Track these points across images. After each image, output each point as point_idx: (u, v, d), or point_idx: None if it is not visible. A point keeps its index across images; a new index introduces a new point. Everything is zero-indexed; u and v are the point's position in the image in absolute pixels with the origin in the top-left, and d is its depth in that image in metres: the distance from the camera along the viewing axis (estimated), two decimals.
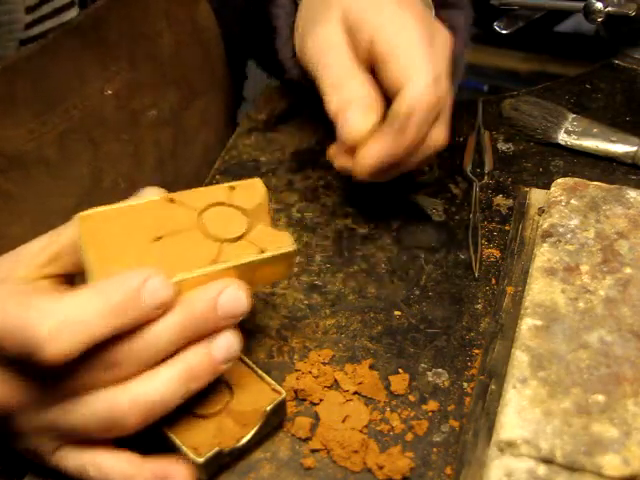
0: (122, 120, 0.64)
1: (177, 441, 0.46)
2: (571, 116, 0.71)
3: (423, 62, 0.55)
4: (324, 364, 0.53)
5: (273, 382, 0.49)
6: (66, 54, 0.58)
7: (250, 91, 0.86)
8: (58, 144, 0.60)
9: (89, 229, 0.46)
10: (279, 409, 0.49)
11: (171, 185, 0.63)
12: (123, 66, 0.63)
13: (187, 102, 0.69)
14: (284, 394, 0.49)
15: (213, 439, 0.47)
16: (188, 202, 0.49)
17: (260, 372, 0.49)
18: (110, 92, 0.62)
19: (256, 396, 0.49)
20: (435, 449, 0.49)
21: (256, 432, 0.47)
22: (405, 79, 0.54)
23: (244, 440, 0.47)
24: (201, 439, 0.46)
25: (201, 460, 0.45)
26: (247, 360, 0.50)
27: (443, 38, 0.58)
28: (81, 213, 0.46)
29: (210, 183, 0.68)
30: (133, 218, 0.47)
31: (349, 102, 0.55)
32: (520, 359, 0.49)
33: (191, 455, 0.45)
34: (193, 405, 0.47)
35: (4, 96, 0.56)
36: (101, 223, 0.46)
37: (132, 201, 0.48)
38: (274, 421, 0.49)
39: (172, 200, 0.48)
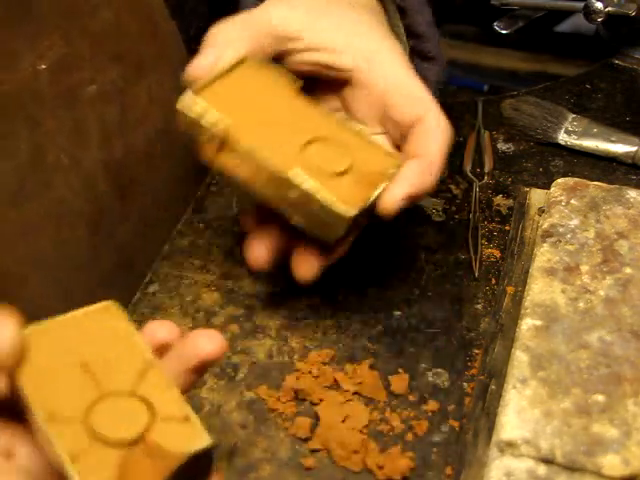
0: (59, 96, 0.63)
1: (323, 196, 0.48)
2: (571, 116, 0.71)
3: (425, 92, 0.55)
4: (324, 364, 0.53)
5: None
6: None
7: None
8: None
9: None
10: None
11: (122, 161, 0.63)
12: (56, 41, 0.62)
13: (133, 78, 0.69)
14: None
15: (354, 194, 0.48)
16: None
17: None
18: (43, 67, 0.61)
19: (375, 159, 0.51)
20: (435, 449, 0.49)
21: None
22: (418, 114, 0.54)
23: (376, 194, 0.49)
24: (343, 194, 0.48)
25: (353, 213, 0.47)
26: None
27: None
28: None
29: (210, 183, 0.68)
30: None
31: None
32: (520, 359, 0.49)
33: (342, 209, 0.47)
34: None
35: None
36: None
37: None
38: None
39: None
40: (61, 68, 0.62)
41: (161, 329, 0.44)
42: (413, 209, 0.65)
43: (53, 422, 0.39)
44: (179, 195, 0.68)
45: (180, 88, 0.76)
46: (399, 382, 0.53)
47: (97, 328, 0.44)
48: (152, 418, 0.40)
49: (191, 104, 0.51)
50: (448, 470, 0.48)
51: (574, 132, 0.70)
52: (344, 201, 0.48)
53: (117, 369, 0.42)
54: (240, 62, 0.53)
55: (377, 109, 0.57)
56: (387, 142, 0.56)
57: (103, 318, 0.44)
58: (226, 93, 0.51)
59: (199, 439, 0.39)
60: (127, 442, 0.39)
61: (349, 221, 0.48)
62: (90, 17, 0.64)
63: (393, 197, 0.52)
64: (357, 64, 0.56)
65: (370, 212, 0.51)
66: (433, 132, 0.54)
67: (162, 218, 0.67)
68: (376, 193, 0.50)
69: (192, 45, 0.75)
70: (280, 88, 0.53)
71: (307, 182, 0.48)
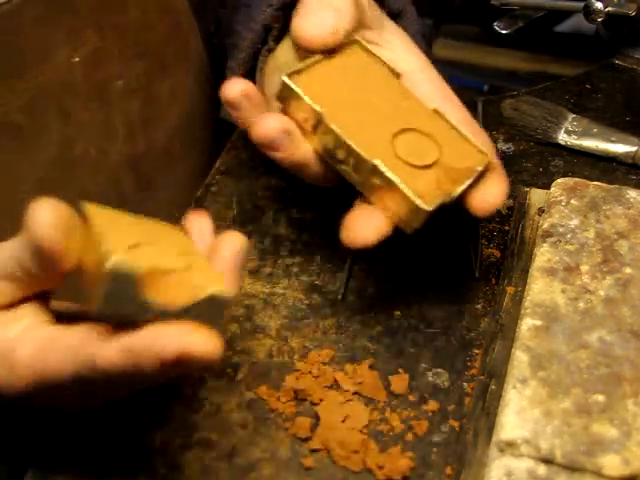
0: (90, 89, 0.64)
1: (403, 187, 0.48)
2: (571, 116, 0.71)
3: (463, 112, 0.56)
4: (324, 364, 0.54)
5: (478, 143, 0.51)
6: (32, 21, 0.58)
7: None
8: (27, 111, 0.60)
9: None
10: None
11: (143, 156, 0.63)
12: (90, 34, 0.62)
13: (156, 74, 0.69)
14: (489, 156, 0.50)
15: (436, 189, 0.49)
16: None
17: (464, 132, 0.52)
18: (78, 60, 0.62)
19: (464, 155, 0.52)
20: (435, 449, 0.49)
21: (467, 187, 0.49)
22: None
23: (459, 190, 0.50)
24: (425, 187, 0.49)
25: (430, 208, 0.48)
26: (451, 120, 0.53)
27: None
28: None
29: (210, 184, 0.68)
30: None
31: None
32: (520, 359, 0.49)
33: (419, 202, 0.48)
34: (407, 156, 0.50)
35: None
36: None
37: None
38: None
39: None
40: (93, 62, 0.63)
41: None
42: None
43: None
44: (190, 194, 0.68)
45: (199, 85, 0.76)
46: (399, 382, 0.53)
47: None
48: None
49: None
50: (448, 470, 0.48)
51: (574, 132, 0.70)
52: (425, 194, 0.49)
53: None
54: (350, 43, 0.55)
55: None
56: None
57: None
58: (328, 75, 0.54)
59: (217, 283, 0.43)
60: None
61: (427, 215, 0.49)
62: (120, 13, 0.64)
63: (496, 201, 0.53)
64: (409, 71, 0.57)
65: (453, 206, 0.52)
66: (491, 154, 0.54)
67: (175, 216, 0.67)
68: (459, 190, 0.51)
69: (213, 40, 0.75)
70: (380, 76, 0.55)
71: (391, 172, 0.49)
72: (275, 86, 0.55)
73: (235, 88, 0.53)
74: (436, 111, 0.54)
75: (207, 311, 0.42)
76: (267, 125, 0.52)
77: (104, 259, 0.40)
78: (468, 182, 0.51)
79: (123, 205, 0.61)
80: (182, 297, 0.41)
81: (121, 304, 0.40)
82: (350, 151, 0.51)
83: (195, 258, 0.44)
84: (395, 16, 0.61)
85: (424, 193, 0.49)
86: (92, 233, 0.43)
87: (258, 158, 0.71)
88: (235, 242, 0.46)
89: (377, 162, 0.50)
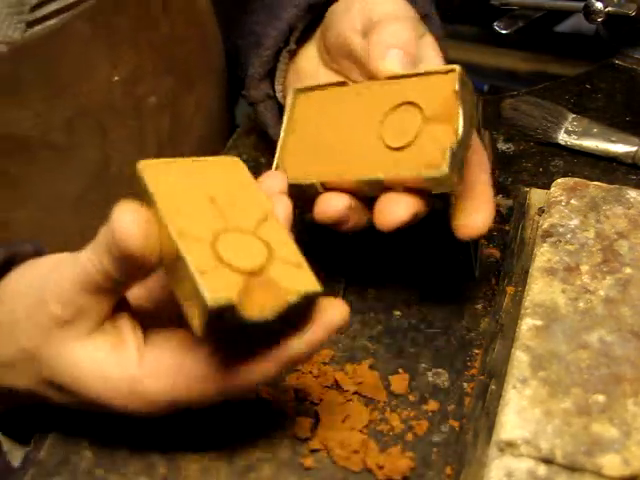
0: (128, 106, 0.64)
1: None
2: (571, 116, 0.71)
3: None
4: (324, 364, 0.53)
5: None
6: (75, 39, 0.58)
7: None
8: (66, 129, 0.60)
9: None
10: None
11: None
12: (128, 52, 0.63)
13: (183, 89, 0.69)
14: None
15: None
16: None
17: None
18: (117, 78, 0.62)
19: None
20: (435, 449, 0.49)
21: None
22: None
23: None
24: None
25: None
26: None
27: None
28: None
29: None
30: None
31: None
32: (520, 359, 0.49)
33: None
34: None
35: (11, 78, 0.56)
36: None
37: None
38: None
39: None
40: (131, 79, 0.63)
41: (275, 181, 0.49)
42: None
43: (184, 238, 0.43)
44: None
45: (221, 99, 0.77)
46: (399, 382, 0.53)
47: (221, 172, 0.48)
48: (270, 257, 0.44)
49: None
50: (448, 470, 0.48)
51: (574, 132, 0.70)
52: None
53: (240, 209, 0.46)
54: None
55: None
56: None
57: (226, 167, 0.49)
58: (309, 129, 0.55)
59: (311, 283, 0.43)
60: (248, 271, 0.42)
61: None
62: (153, 29, 0.64)
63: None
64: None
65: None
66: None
67: None
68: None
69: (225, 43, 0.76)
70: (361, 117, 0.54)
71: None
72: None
73: (339, 202, 0.52)
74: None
75: (301, 306, 0.43)
76: (332, 205, 0.52)
77: (195, 293, 0.41)
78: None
79: None
80: (276, 299, 0.42)
81: (222, 327, 0.42)
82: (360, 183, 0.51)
83: (273, 226, 0.46)
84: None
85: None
86: (161, 222, 0.43)
87: (258, 158, 0.71)
88: (285, 207, 0.48)
89: (381, 175, 0.49)
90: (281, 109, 0.65)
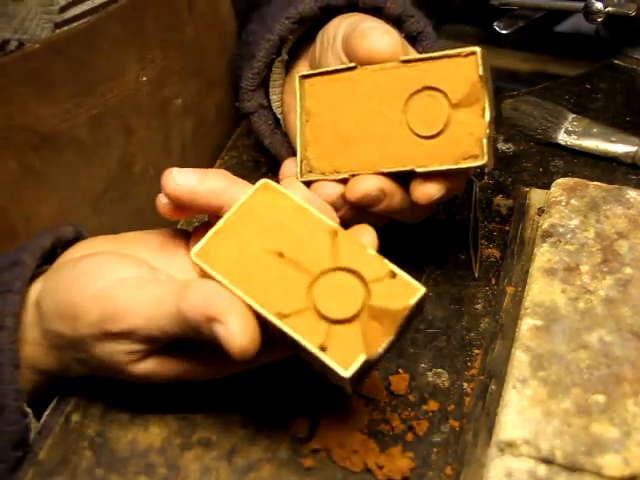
0: (154, 107, 0.65)
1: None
2: (571, 116, 0.71)
3: None
4: None
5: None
6: (106, 38, 0.59)
7: None
8: (92, 126, 0.60)
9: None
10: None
11: None
12: (157, 54, 0.63)
13: (206, 92, 0.70)
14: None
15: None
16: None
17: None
18: (145, 79, 0.62)
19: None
20: (435, 449, 0.49)
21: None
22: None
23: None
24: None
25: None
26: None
27: None
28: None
29: None
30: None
31: None
32: (520, 359, 0.49)
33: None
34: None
35: (41, 75, 0.57)
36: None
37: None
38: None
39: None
40: (158, 81, 0.64)
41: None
42: None
43: (285, 319, 0.43)
44: None
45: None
46: (399, 382, 0.53)
47: (267, 214, 0.46)
48: (365, 285, 0.44)
49: None
50: (448, 470, 0.48)
51: (574, 132, 0.70)
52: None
53: (309, 247, 0.45)
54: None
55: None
56: None
57: (264, 202, 0.47)
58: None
59: (413, 290, 0.43)
60: (356, 314, 0.43)
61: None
62: (180, 32, 0.65)
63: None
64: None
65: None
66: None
67: None
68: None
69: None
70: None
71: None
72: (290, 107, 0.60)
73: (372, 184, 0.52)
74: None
75: (415, 311, 0.44)
76: (365, 186, 0.52)
77: (327, 367, 0.42)
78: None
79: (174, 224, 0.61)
80: (392, 322, 0.43)
81: (362, 375, 0.43)
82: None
83: (345, 242, 0.45)
84: (413, 39, 0.60)
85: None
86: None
87: (258, 159, 0.71)
88: (369, 234, 0.47)
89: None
90: (276, 120, 0.65)
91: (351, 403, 0.51)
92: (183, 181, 0.48)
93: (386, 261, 0.44)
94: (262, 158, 0.71)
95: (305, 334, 0.43)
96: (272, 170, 0.69)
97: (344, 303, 0.43)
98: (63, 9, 0.56)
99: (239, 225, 0.46)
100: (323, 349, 0.42)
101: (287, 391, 0.52)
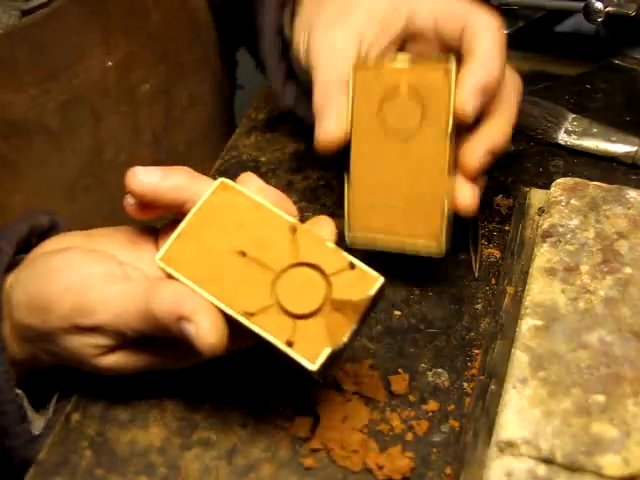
0: (122, 93, 0.65)
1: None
2: (571, 116, 0.71)
3: (474, 10, 0.56)
4: None
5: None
6: (69, 23, 0.59)
7: (245, 78, 0.87)
8: (60, 113, 0.60)
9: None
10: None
11: (164, 163, 0.64)
12: (121, 38, 0.63)
13: (176, 79, 0.70)
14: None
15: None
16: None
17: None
18: (110, 64, 0.62)
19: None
20: (435, 449, 0.49)
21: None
22: (459, 25, 0.56)
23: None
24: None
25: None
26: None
27: None
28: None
29: None
30: None
31: (329, 107, 0.56)
32: (520, 359, 0.49)
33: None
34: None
35: (5, 62, 0.57)
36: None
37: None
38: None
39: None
40: (125, 66, 0.64)
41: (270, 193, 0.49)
42: None
43: (251, 318, 0.45)
44: None
45: (217, 93, 0.76)
46: (399, 382, 0.53)
47: (227, 214, 0.47)
48: (326, 279, 0.45)
49: None
50: (448, 470, 0.48)
51: (574, 132, 0.70)
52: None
53: (270, 245, 0.46)
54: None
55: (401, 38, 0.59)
56: None
57: (225, 201, 0.48)
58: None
59: (372, 280, 0.45)
60: (319, 307, 0.45)
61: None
62: (144, 18, 0.65)
63: (466, 93, 0.54)
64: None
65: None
66: (479, 31, 0.55)
67: None
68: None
69: (231, 50, 0.76)
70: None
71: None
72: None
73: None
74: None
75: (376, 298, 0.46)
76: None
77: (295, 361, 0.44)
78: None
79: None
80: (354, 311, 0.44)
81: (330, 365, 0.45)
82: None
83: (304, 236, 0.46)
84: None
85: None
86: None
87: (258, 158, 0.71)
88: (327, 227, 0.48)
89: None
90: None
91: (351, 403, 0.51)
92: (146, 178, 0.48)
93: (345, 253, 0.46)
94: (262, 158, 0.71)
95: (272, 331, 0.44)
96: (272, 170, 0.69)
97: (307, 298, 0.45)
98: None
99: (200, 226, 0.47)
100: (290, 344, 0.44)
101: (287, 391, 0.52)
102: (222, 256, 0.46)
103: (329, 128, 0.55)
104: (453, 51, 0.57)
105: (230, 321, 0.45)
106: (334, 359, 0.45)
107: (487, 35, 0.55)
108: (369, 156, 0.55)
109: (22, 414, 0.50)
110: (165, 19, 0.67)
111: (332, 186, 0.68)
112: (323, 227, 0.48)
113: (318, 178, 0.69)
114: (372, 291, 0.45)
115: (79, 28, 0.60)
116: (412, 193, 0.55)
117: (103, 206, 0.63)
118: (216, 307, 0.45)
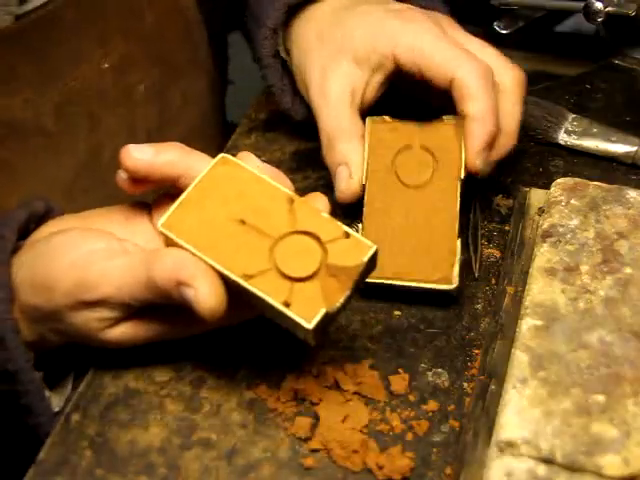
0: (118, 94, 0.65)
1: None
2: (571, 116, 0.71)
3: (453, 49, 0.58)
4: (324, 364, 0.53)
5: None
6: (65, 26, 0.59)
7: (236, 74, 0.88)
8: (56, 115, 0.61)
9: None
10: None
11: None
12: (118, 41, 0.63)
13: (169, 80, 0.70)
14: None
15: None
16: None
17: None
18: (107, 66, 0.63)
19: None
20: (435, 449, 0.49)
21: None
22: (451, 69, 0.57)
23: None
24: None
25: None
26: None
27: (446, 20, 0.62)
28: None
29: None
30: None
31: (339, 164, 0.60)
32: (520, 359, 0.49)
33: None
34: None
35: (1, 64, 0.57)
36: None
37: None
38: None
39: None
40: (121, 67, 0.64)
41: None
42: None
43: (250, 280, 0.46)
44: None
45: (209, 92, 0.76)
46: (399, 382, 0.53)
47: (227, 185, 0.50)
48: (322, 246, 0.47)
49: None
50: (448, 470, 0.48)
51: (574, 132, 0.70)
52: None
53: (268, 214, 0.48)
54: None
55: (391, 72, 0.61)
56: None
57: (225, 174, 0.50)
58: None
59: (366, 248, 0.47)
60: (315, 271, 0.46)
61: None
62: (139, 20, 0.65)
63: (473, 152, 0.57)
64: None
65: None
66: (469, 91, 0.56)
67: None
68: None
69: (221, 51, 0.76)
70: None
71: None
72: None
73: None
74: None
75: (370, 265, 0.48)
76: None
77: (290, 321, 0.46)
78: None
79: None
80: (348, 277, 0.46)
81: (323, 328, 0.47)
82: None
83: (301, 207, 0.48)
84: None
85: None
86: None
87: (258, 158, 0.71)
88: (322, 200, 0.50)
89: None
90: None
91: (351, 403, 0.51)
92: (140, 155, 0.50)
93: (339, 223, 0.48)
94: (262, 158, 0.71)
95: (270, 292, 0.46)
96: None
97: (304, 262, 0.47)
98: (22, 1, 0.56)
99: (201, 196, 0.49)
100: (287, 305, 0.46)
101: (287, 391, 0.52)
102: (222, 224, 0.48)
103: (350, 186, 0.59)
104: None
105: (230, 289, 0.46)
106: (328, 321, 0.46)
107: (478, 93, 0.57)
108: (382, 205, 0.59)
109: (42, 393, 0.51)
110: (159, 20, 0.67)
111: (332, 186, 0.67)
112: (318, 200, 0.50)
113: (318, 178, 0.69)
114: (366, 257, 0.47)
115: (75, 31, 0.60)
116: (424, 239, 0.57)
117: (103, 206, 0.63)
118: (215, 272, 0.46)
